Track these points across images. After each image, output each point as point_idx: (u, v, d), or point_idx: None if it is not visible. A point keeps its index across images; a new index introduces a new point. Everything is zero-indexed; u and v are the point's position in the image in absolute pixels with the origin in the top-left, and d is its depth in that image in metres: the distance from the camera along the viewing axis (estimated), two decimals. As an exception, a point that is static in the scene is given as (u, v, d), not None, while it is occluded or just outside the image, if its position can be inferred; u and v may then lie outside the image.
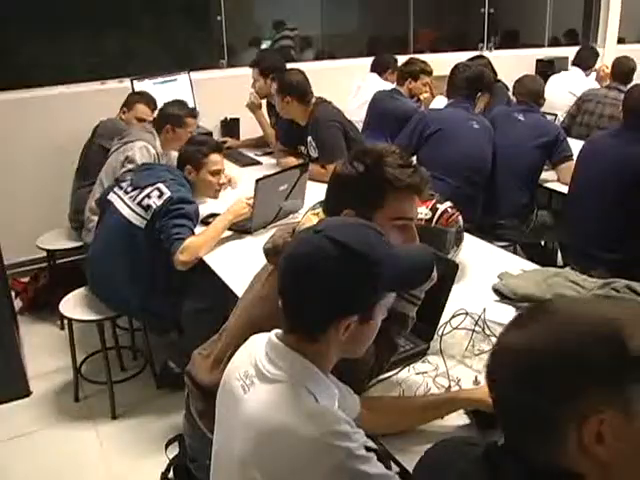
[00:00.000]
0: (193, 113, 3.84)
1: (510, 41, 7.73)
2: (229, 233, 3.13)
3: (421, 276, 1.53)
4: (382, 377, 1.91)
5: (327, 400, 1.36)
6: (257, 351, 1.42)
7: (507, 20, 8.02)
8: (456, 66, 4.01)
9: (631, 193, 3.21)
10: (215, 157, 3.28)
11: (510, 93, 4.67)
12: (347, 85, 5.26)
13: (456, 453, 1.18)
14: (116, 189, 3.19)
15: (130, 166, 3.50)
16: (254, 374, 1.37)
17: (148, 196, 3.02)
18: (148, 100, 4.16)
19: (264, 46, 6.56)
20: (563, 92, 5.16)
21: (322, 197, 1.93)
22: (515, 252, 3.91)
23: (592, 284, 2.26)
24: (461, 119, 3.83)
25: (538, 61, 6.94)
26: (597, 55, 5.93)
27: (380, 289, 1.37)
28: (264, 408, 1.31)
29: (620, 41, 8.45)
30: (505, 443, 1.04)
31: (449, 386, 1.91)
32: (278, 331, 1.42)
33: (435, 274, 1.62)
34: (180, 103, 3.87)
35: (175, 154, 3.62)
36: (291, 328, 1.38)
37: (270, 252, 1.85)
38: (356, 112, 4.70)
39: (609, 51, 7.54)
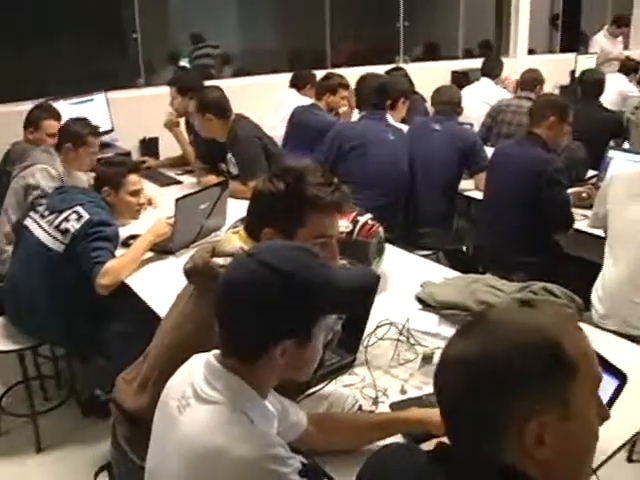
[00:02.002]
0: (95, 132, 3.68)
1: (430, 53, 7.91)
2: (151, 254, 3.08)
3: (360, 299, 1.54)
4: (309, 392, 1.91)
5: (264, 423, 1.35)
6: (195, 372, 1.39)
7: (423, 33, 8.20)
8: (363, 77, 4.03)
9: (538, 195, 3.35)
10: (133, 177, 3.22)
11: (428, 104, 4.76)
12: (267, 101, 5.27)
13: (400, 458, 1.21)
14: (32, 214, 3.10)
15: (36, 193, 3.38)
16: (191, 395, 1.35)
17: (66, 219, 2.94)
18: (52, 113, 3.98)
19: (183, 63, 6.52)
20: (477, 102, 5.30)
21: (244, 214, 1.91)
22: (438, 260, 3.98)
23: (511, 288, 2.31)
24: (377, 131, 3.85)
25: (453, 72, 7.12)
26: (502, 65, 6.10)
27: (318, 312, 1.37)
28: (199, 429, 1.29)
29: (531, 52, 8.77)
30: (453, 447, 1.07)
31: (376, 397, 1.93)
32: (217, 352, 1.40)
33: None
34: (82, 121, 3.68)
35: (81, 175, 3.52)
36: (228, 351, 1.37)
37: (190, 272, 1.83)
38: (276, 128, 4.71)
39: (520, 61, 7.79)
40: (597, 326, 2.86)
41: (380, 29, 7.89)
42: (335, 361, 2.05)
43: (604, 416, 1.08)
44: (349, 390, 1.96)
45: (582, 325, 2.28)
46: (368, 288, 1.52)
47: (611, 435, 1.71)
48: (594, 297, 3.00)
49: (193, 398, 1.35)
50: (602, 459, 1.69)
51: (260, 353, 1.33)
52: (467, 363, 1.02)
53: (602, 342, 2.24)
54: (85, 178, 3.63)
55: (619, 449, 1.75)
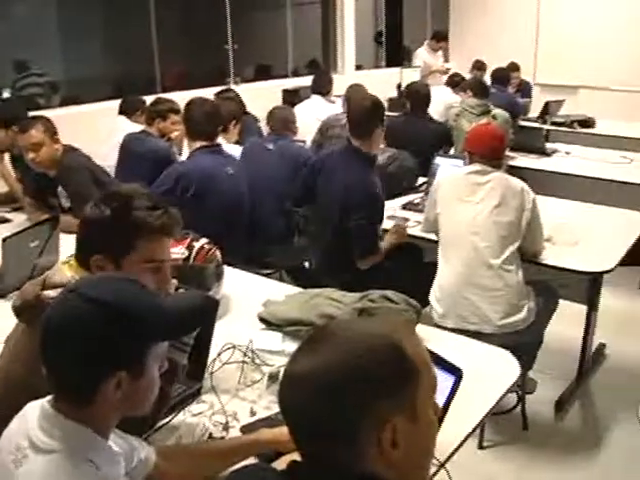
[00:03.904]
0: None
1: (260, 74, 8.00)
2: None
3: (189, 324, 1.51)
4: (157, 426, 1.86)
5: (110, 466, 1.29)
6: (30, 421, 1.30)
7: (253, 54, 8.28)
8: (190, 103, 3.77)
9: (350, 213, 3.37)
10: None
11: (262, 124, 4.80)
12: (97, 129, 5.11)
13: (253, 478, 1.20)
14: None
15: None
16: (27, 446, 1.26)
17: None
18: None
19: (6, 94, 6.19)
20: (309, 119, 5.40)
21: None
22: (281, 278, 4.02)
23: (350, 299, 2.37)
24: (217, 167, 3.58)
25: (284, 91, 7.23)
26: (331, 81, 6.27)
27: (146, 342, 1.32)
28: (39, 483, 1.21)
29: (358, 67, 9.10)
30: (306, 462, 1.07)
31: (226, 422, 1.91)
32: (50, 398, 1.32)
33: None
34: None
35: None
36: (59, 395, 1.29)
37: (20, 309, 1.72)
38: (108, 157, 4.57)
39: (349, 77, 8.05)
40: (438, 326, 3.00)
41: (210, 51, 7.89)
42: (181, 391, 2.01)
43: (438, 414, 1.13)
44: (198, 419, 1.93)
45: (424, 326, 2.41)
46: (199, 312, 1.50)
47: (458, 426, 1.81)
48: (432, 298, 3.14)
49: (30, 449, 1.26)
50: (452, 449, 1.77)
51: (92, 392, 1.27)
52: (314, 378, 1.02)
53: (442, 341, 2.37)
54: None
55: (465, 439, 1.83)
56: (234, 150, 4.22)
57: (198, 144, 3.57)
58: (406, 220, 3.77)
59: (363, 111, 3.45)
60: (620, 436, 3.30)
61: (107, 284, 1.36)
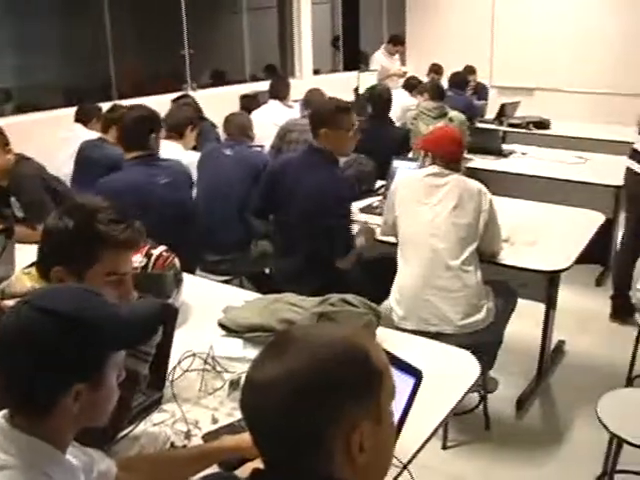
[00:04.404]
0: None
1: (218, 79, 7.97)
2: None
3: (146, 331, 1.49)
4: (118, 437, 1.83)
5: None
6: None
7: (210, 59, 8.25)
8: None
9: (327, 214, 3.31)
10: None
11: (220, 130, 4.78)
12: (52, 138, 5.04)
13: None
14: None
15: None
16: None
17: None
18: None
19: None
20: (267, 124, 5.38)
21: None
22: (241, 284, 4.00)
23: (310, 303, 2.36)
24: (145, 180, 3.33)
25: (242, 97, 7.21)
26: (289, 86, 6.26)
27: (104, 351, 1.30)
28: (-7, 500, 1.18)
29: (316, 72, 9.13)
30: (271, 469, 1.06)
31: (188, 431, 1.89)
32: (6, 412, 1.29)
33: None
34: None
35: None
36: (15, 409, 1.27)
37: None
38: (64, 165, 4.52)
39: (306, 81, 8.07)
40: (398, 328, 3.01)
41: (166, 57, 7.84)
42: (142, 401, 1.98)
43: (393, 412, 1.13)
44: (159, 428, 1.90)
45: (384, 328, 2.42)
46: (156, 319, 1.49)
47: (420, 427, 1.82)
48: (392, 300, 3.15)
49: None
50: (414, 450, 1.77)
51: (49, 405, 1.24)
52: (278, 385, 1.01)
53: (402, 342, 2.38)
54: None
55: (428, 439, 1.84)
56: (191, 156, 4.20)
57: (133, 154, 3.38)
58: (365, 223, 3.78)
59: (312, 114, 3.48)
60: (580, 432, 3.36)
61: (61, 294, 1.34)
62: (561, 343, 4.15)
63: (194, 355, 2.14)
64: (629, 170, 4.30)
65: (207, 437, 1.86)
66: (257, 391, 1.04)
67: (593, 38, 8.83)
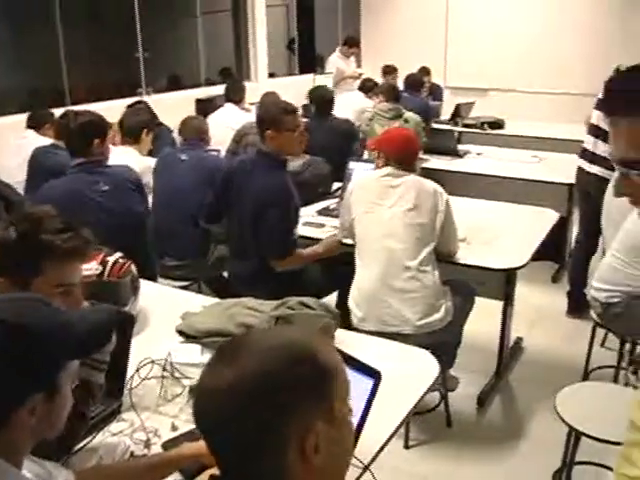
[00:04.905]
0: None
1: (173, 84, 7.91)
2: None
3: (99, 339, 1.46)
4: (76, 448, 1.80)
5: None
6: None
7: (165, 64, 8.19)
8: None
9: (263, 214, 3.32)
10: None
11: (176, 135, 4.74)
12: (3, 144, 4.97)
13: None
14: None
15: None
16: None
17: None
18: None
19: None
20: (224, 128, 5.35)
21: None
22: (200, 289, 3.97)
23: (268, 307, 2.35)
24: (85, 187, 3.24)
25: (197, 101, 7.17)
26: (244, 89, 6.23)
27: (57, 361, 1.27)
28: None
29: (272, 75, 9.13)
30: (227, 474, 1.06)
31: (148, 439, 1.87)
32: None
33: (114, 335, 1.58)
34: None
35: None
36: None
37: None
38: (16, 172, 4.44)
39: (262, 85, 8.06)
40: (357, 329, 3.02)
41: (121, 62, 7.75)
42: (100, 411, 1.95)
43: (351, 411, 1.13)
44: (118, 438, 1.88)
45: (343, 330, 2.42)
46: (109, 327, 1.47)
47: (381, 427, 1.83)
48: (351, 302, 3.15)
49: None
50: (375, 451, 1.78)
51: (3, 418, 1.21)
52: (230, 391, 1.01)
53: (362, 344, 2.39)
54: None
55: (389, 439, 1.85)
56: (147, 162, 4.16)
57: (77, 160, 3.30)
58: (322, 226, 3.79)
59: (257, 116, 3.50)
60: (539, 426, 3.41)
61: (9, 304, 1.31)
62: (519, 340, 4.21)
63: (152, 362, 2.12)
64: (580, 169, 4.39)
65: (167, 445, 1.84)
66: (207, 398, 1.04)
67: (545, 39, 9.00)
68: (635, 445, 1.24)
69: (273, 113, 3.42)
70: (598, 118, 4.16)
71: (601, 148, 4.11)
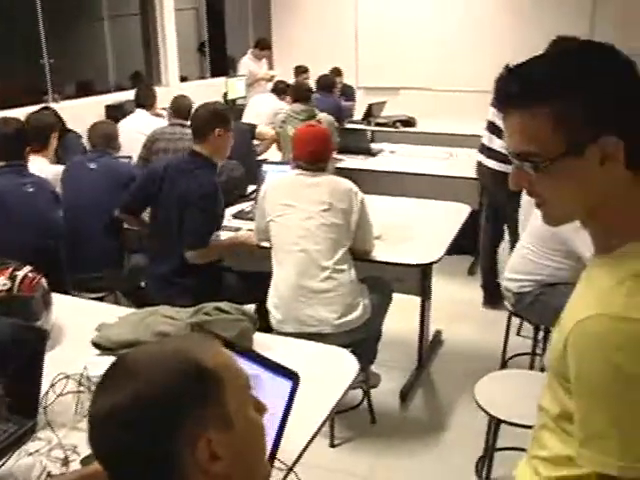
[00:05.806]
0: None
1: (82, 90, 7.71)
2: None
3: (11, 354, 1.42)
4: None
5: None
6: None
7: (73, 69, 7.98)
8: None
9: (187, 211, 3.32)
10: None
11: (85, 142, 4.62)
12: None
13: None
14: None
15: None
16: None
17: None
18: None
19: None
20: (133, 134, 5.23)
21: None
22: (117, 300, 3.89)
23: (185, 314, 2.33)
24: (12, 186, 3.37)
25: (107, 107, 7.02)
26: (154, 94, 6.11)
27: None
28: None
29: (183, 79, 9.02)
30: None
31: (66, 457, 1.82)
32: None
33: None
34: None
35: None
36: None
37: None
38: None
39: (173, 89, 7.95)
40: (277, 332, 3.02)
41: (25, 68, 7.50)
42: (13, 431, 1.89)
43: (262, 410, 1.13)
44: (34, 458, 1.82)
45: (262, 333, 2.41)
46: (14, 343, 1.43)
47: (303, 428, 1.83)
48: (270, 305, 3.14)
49: None
50: (298, 452, 1.78)
51: None
52: (114, 417, 0.99)
53: (280, 346, 2.39)
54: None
55: (311, 440, 1.84)
56: (56, 170, 4.02)
57: (2, 163, 3.35)
58: (238, 229, 3.77)
59: (200, 116, 3.47)
60: (461, 417, 3.49)
61: None
62: (438, 333, 4.29)
63: (67, 377, 2.05)
64: (479, 163, 4.52)
65: (86, 461, 1.79)
66: (91, 427, 1.03)
67: (453, 37, 9.21)
68: (543, 428, 1.29)
69: (222, 111, 3.47)
70: (493, 115, 4.31)
71: (497, 143, 4.26)
